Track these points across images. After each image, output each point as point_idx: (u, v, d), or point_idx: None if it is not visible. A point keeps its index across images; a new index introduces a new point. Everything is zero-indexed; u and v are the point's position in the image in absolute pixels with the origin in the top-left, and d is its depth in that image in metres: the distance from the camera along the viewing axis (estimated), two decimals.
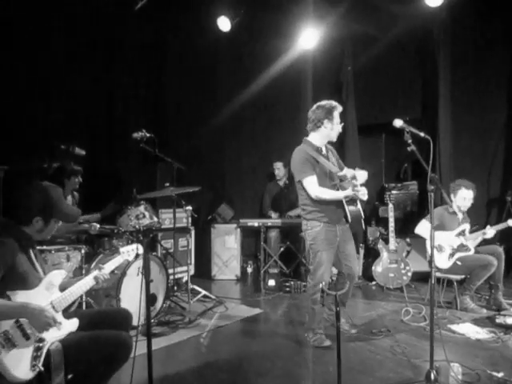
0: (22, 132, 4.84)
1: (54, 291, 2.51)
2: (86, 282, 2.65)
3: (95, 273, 2.71)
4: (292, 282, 5.77)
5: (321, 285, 3.65)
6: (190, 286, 5.17)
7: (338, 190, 3.76)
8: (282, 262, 6.26)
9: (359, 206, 3.82)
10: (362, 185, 3.67)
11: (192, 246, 6.11)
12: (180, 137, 6.67)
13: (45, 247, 4.09)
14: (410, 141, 2.91)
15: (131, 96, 6.31)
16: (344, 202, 3.73)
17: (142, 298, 4.06)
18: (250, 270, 6.90)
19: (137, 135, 4.77)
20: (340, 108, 3.77)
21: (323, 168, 3.73)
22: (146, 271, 2.31)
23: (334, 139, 3.82)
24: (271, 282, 5.95)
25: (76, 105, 5.63)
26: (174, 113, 6.78)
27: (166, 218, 5.56)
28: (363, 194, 3.65)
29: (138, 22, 6.03)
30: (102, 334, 2.49)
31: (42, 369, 2.28)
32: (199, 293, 5.26)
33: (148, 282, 2.38)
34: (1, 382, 2.16)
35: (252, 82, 6.61)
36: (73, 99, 5.60)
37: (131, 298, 4.07)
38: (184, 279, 5.89)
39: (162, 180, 5.26)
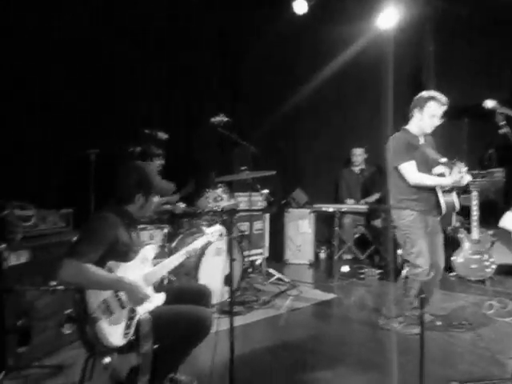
0: (108, 118, 5.09)
1: (147, 265, 2.66)
2: (178, 257, 2.78)
3: (186, 248, 2.84)
4: (366, 269, 5.69)
5: (426, 271, 3.53)
6: (265, 268, 5.24)
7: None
8: (356, 249, 6.17)
9: (455, 196, 3.64)
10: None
11: (266, 230, 6.18)
12: (256, 122, 6.68)
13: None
14: (502, 123, 2.72)
15: (208, 82, 6.43)
16: (440, 192, 3.58)
17: (220, 277, 4.27)
18: (323, 255, 6.87)
19: (215, 120, 4.89)
20: (441, 100, 3.53)
21: (423, 155, 3.59)
22: (230, 251, 2.37)
23: (427, 131, 3.65)
24: (345, 268, 5.90)
25: (157, 92, 5.83)
26: (250, 98, 6.81)
27: (242, 201, 5.65)
28: (465, 180, 3.45)
29: (212, 8, 6.10)
30: (186, 309, 2.61)
31: (134, 337, 2.43)
32: (273, 275, 5.33)
33: (232, 261, 2.44)
34: (96, 346, 2.32)
35: (328, 66, 6.48)
36: (155, 87, 5.81)
37: (209, 277, 4.20)
38: (258, 261, 6.01)
39: (239, 164, 5.35)
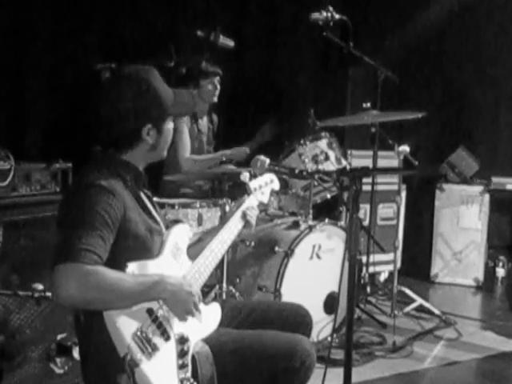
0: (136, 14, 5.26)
1: (184, 260, 2.68)
2: (231, 230, 2.88)
3: (242, 207, 2.97)
4: None
5: None
6: (397, 287, 5.20)
7: None
8: None
9: None
10: None
11: (401, 221, 6.10)
12: (389, 25, 6.64)
13: (164, 200, 4.40)
14: None
15: None
16: None
17: (318, 298, 4.24)
18: (501, 271, 6.72)
19: (318, 16, 4.83)
20: None
21: None
22: (351, 244, 2.33)
23: None
24: None
25: None
26: None
27: (360, 164, 5.57)
28: None
29: None
30: (272, 338, 2.65)
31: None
32: (411, 301, 5.30)
33: (354, 263, 2.40)
34: None
35: None
36: None
37: (299, 295, 4.14)
38: (384, 275, 5.98)
39: (357, 98, 5.29)
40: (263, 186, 3.21)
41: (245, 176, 3.27)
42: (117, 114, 2.55)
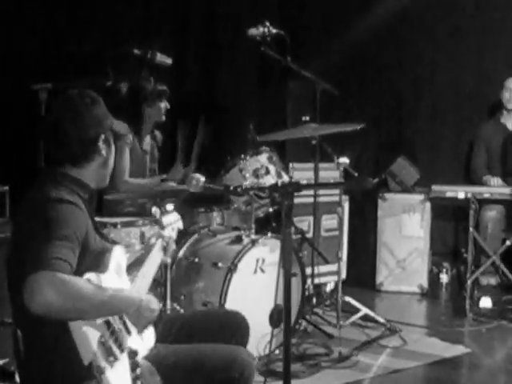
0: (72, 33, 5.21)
1: (124, 278, 2.69)
2: (154, 257, 2.92)
3: (159, 240, 3.02)
4: None
5: None
6: (342, 298, 5.22)
7: None
8: (506, 267, 6.05)
9: None
10: None
11: (345, 231, 6.14)
12: (327, 39, 6.71)
13: (106, 219, 4.35)
14: None
15: None
16: None
17: (263, 311, 4.24)
18: (445, 277, 6.82)
19: (256, 32, 4.86)
20: None
21: None
22: (285, 260, 2.35)
23: None
24: (485, 302, 5.84)
25: None
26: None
27: (302, 177, 5.60)
28: None
29: None
30: (210, 351, 2.67)
31: None
32: (356, 311, 5.32)
33: (289, 278, 2.41)
34: None
35: None
36: None
37: (243, 310, 4.12)
38: (330, 286, 5.98)
39: (297, 111, 5.33)
40: (173, 223, 3.26)
41: (155, 212, 3.31)
42: (75, 126, 2.57)
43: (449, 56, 7.05)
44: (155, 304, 2.55)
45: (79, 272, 2.38)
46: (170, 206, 3.33)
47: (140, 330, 2.53)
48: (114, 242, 2.85)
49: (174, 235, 3.23)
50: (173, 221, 3.25)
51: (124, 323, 2.56)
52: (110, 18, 5.47)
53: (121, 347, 2.44)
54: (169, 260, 3.19)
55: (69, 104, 2.63)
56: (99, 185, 2.73)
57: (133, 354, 2.50)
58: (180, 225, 3.35)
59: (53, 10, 5.19)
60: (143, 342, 2.63)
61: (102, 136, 2.61)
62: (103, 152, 2.63)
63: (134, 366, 2.48)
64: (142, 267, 2.82)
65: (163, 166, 5.21)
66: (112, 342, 2.41)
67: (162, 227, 3.18)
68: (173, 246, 3.13)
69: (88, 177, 2.63)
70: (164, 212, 3.37)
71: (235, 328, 2.90)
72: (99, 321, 2.37)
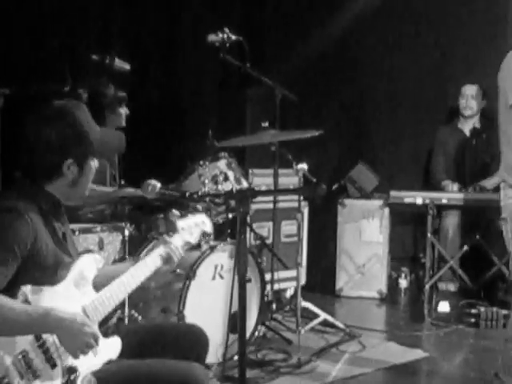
0: (28, 37, 5.15)
1: (87, 290, 2.63)
2: (147, 265, 2.83)
3: (162, 248, 2.89)
4: (482, 309, 5.63)
5: None
6: (301, 303, 5.23)
7: None
8: (463, 272, 6.12)
9: None
10: None
11: (304, 237, 6.15)
12: (288, 45, 6.73)
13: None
14: None
15: None
16: None
17: (222, 317, 4.23)
18: (404, 282, 6.87)
19: (215, 38, 4.86)
20: None
21: None
22: (240, 266, 2.34)
23: None
24: (443, 307, 5.89)
25: None
26: (278, 6, 7.01)
27: (261, 183, 5.60)
28: None
29: None
30: (162, 368, 2.60)
31: None
32: (315, 317, 5.32)
33: (244, 284, 2.41)
34: None
35: None
36: None
37: (202, 316, 4.17)
38: (290, 292, 5.98)
39: (256, 117, 5.33)
40: (193, 227, 3.14)
41: (173, 214, 3.25)
42: (39, 146, 2.52)
43: (408, 62, 7.10)
44: (90, 328, 2.41)
45: (19, 283, 2.36)
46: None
47: (74, 355, 2.40)
48: (88, 251, 2.80)
49: (192, 240, 3.11)
50: (193, 224, 3.14)
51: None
52: (68, 23, 5.42)
53: (51, 361, 2.38)
54: (172, 266, 3.00)
55: (42, 119, 2.58)
56: (68, 202, 2.68)
57: (70, 370, 2.43)
58: (206, 227, 3.20)
59: (9, 15, 5.13)
60: (98, 357, 2.56)
61: (68, 161, 2.54)
62: (68, 174, 2.56)
63: (68, 383, 2.41)
64: (124, 274, 2.76)
65: (124, 172, 5.19)
66: (37, 356, 2.35)
67: (175, 231, 3.09)
68: (178, 254, 2.97)
69: (56, 192, 2.59)
70: (185, 214, 3.31)
71: (194, 342, 2.87)
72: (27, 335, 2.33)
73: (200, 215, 3.27)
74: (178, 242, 3.00)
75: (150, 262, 2.85)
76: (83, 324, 2.40)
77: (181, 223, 3.12)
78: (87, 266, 2.65)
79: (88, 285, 2.64)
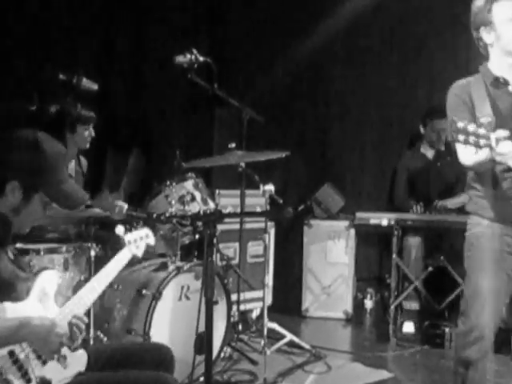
0: None
1: (49, 305, 2.65)
2: (102, 278, 2.90)
3: (99, 274, 2.94)
4: (447, 329, 5.67)
5: (476, 333, 3.55)
6: (267, 324, 5.22)
7: None
8: (428, 292, 6.16)
9: None
10: None
11: (270, 257, 6.16)
12: (255, 67, 6.77)
13: (29, 246, 4.26)
14: None
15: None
16: None
17: (188, 338, 4.21)
18: (369, 303, 6.92)
19: (183, 59, 4.86)
20: None
21: (501, 111, 3.57)
22: (207, 288, 2.35)
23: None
24: (408, 327, 5.93)
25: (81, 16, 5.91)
26: (246, 28, 7.01)
27: (228, 204, 5.60)
28: None
29: None
30: (132, 378, 2.64)
31: None
32: (282, 337, 5.32)
33: (210, 306, 2.41)
34: None
35: None
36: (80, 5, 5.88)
37: (168, 337, 4.21)
38: (256, 312, 5.98)
39: (223, 138, 5.34)
40: (138, 240, 3.26)
41: (119, 229, 3.28)
42: None
43: (373, 86, 7.17)
44: (61, 328, 2.47)
45: None
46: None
47: (48, 357, 2.47)
48: (46, 268, 2.80)
49: (139, 253, 3.24)
50: (138, 238, 3.24)
51: (35, 350, 2.52)
52: (36, 42, 5.40)
53: (26, 376, 2.39)
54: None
55: (5, 145, 2.54)
56: (18, 224, 2.59)
57: (44, 382, 2.45)
58: (150, 241, 3.34)
59: None
60: (67, 370, 2.58)
61: (13, 182, 2.46)
62: (11, 196, 2.47)
63: None
64: (82, 289, 2.82)
65: (88, 192, 5.15)
66: (13, 373, 2.37)
67: (123, 246, 3.17)
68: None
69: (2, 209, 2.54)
70: (129, 229, 3.35)
71: (160, 360, 2.86)
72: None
73: (144, 229, 3.41)
74: (127, 255, 3.14)
75: (104, 276, 2.94)
76: (54, 324, 2.45)
77: (127, 237, 3.22)
78: (48, 281, 2.67)
79: (50, 300, 2.66)
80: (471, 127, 2.99)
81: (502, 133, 3.07)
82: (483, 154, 3.17)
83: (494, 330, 3.61)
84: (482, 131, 3.00)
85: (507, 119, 3.52)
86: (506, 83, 3.62)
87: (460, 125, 2.99)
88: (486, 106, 3.57)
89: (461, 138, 3.01)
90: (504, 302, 3.71)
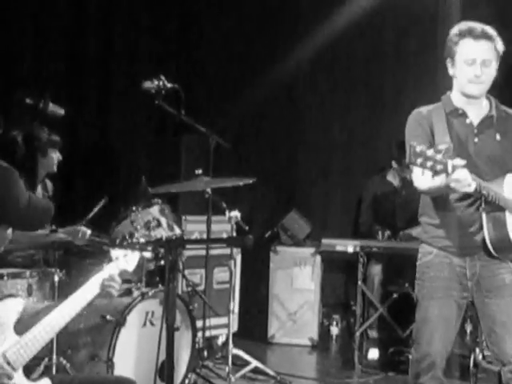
0: None
1: (8, 335, 2.60)
2: (76, 299, 2.81)
3: (98, 275, 2.85)
4: (411, 356, 5.68)
5: (429, 360, 3.58)
6: (232, 351, 5.22)
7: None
8: (392, 319, 6.18)
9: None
10: None
11: (236, 283, 6.16)
12: (223, 93, 6.81)
13: None
14: None
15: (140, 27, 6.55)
16: (484, 214, 3.60)
17: (152, 365, 4.19)
18: (335, 329, 6.89)
19: (150, 85, 4.88)
20: (476, 31, 3.54)
21: (459, 141, 3.64)
22: (168, 314, 2.34)
23: (467, 92, 3.71)
24: (373, 354, 5.94)
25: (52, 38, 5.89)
26: (214, 53, 7.07)
27: (195, 230, 5.61)
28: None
29: None
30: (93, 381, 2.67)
31: None
32: (247, 364, 5.32)
33: (172, 332, 2.41)
34: None
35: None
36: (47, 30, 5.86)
37: (132, 364, 4.20)
38: (221, 339, 5.95)
39: (190, 164, 5.35)
40: (128, 255, 3.11)
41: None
42: None
43: (340, 113, 7.25)
44: (3, 370, 2.45)
45: None
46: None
47: None
48: (10, 295, 2.77)
49: (129, 267, 3.08)
50: (127, 252, 3.12)
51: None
52: (2, 66, 5.38)
53: None
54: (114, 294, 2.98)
55: None
56: None
57: None
58: (137, 256, 3.18)
59: None
60: None
61: None
62: None
63: None
64: (50, 313, 2.73)
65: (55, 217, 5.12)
66: None
67: (110, 260, 3.08)
68: (116, 281, 2.93)
69: None
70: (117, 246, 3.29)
71: None
72: None
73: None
74: (113, 270, 2.98)
75: (80, 296, 2.83)
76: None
77: (115, 252, 3.13)
78: (5, 311, 2.63)
79: (8, 330, 2.61)
80: (429, 152, 3.03)
81: (460, 161, 3.12)
82: (438, 180, 3.21)
83: (445, 357, 3.65)
84: (439, 157, 3.04)
85: (464, 149, 3.60)
86: (465, 115, 3.69)
87: (418, 149, 3.03)
88: (446, 134, 3.63)
89: (418, 161, 3.05)
90: (455, 329, 3.74)
